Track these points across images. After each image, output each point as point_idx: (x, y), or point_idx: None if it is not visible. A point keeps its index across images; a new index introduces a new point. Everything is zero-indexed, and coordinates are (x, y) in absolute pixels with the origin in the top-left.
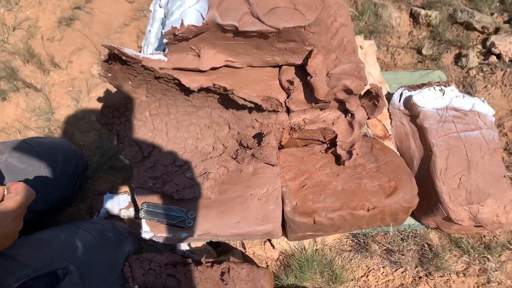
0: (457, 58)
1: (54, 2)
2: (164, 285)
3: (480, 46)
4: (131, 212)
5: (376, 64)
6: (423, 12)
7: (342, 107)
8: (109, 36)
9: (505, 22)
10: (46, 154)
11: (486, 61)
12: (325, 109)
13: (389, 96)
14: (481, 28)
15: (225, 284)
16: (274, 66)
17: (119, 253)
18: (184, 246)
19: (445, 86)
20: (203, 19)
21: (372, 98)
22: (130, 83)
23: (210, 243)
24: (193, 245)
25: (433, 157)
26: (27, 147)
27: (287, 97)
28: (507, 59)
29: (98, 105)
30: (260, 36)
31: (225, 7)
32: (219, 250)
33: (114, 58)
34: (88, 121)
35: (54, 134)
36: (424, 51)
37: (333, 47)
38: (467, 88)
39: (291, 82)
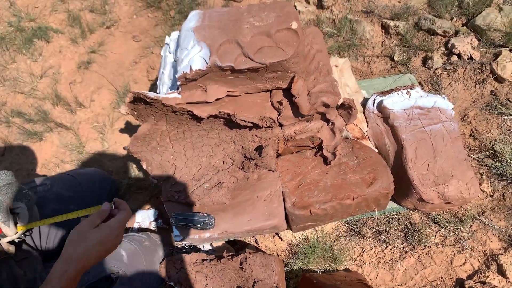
0: (425, 60)
1: (72, 49)
2: (195, 279)
3: (443, 48)
4: (159, 224)
5: (351, 77)
6: (392, 23)
7: (324, 117)
8: (122, 73)
9: (463, 25)
10: (86, 182)
11: (449, 61)
12: (310, 121)
13: (365, 102)
14: (443, 32)
15: (244, 271)
16: (266, 91)
17: (155, 257)
18: (207, 247)
19: (411, 88)
20: (207, 63)
21: (346, 108)
22: (152, 117)
23: (228, 242)
24: (215, 244)
25: (404, 150)
26: (70, 178)
27: (278, 115)
28: (466, 57)
29: (121, 135)
30: (252, 70)
31: (223, 52)
32: (236, 247)
33: (139, 100)
34: (114, 149)
35: (86, 164)
36: (395, 57)
37: (312, 70)
38: (435, 86)
39: (280, 103)
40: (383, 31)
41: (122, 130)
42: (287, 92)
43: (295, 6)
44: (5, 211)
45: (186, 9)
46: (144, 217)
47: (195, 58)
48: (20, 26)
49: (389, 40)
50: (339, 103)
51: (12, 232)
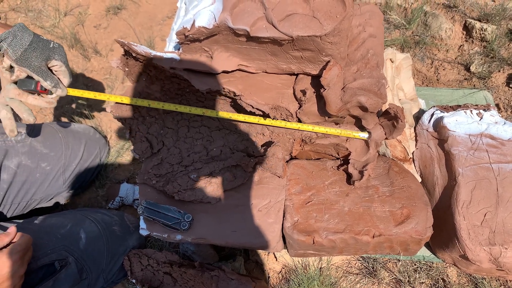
0: (510, 78)
1: None
2: (161, 281)
3: None
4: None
5: (410, 79)
6: (478, 25)
7: (359, 123)
8: (151, 27)
9: None
10: (70, 140)
11: None
12: (340, 124)
13: (420, 114)
14: None
15: None
16: (290, 74)
17: (121, 247)
18: (188, 245)
19: (484, 110)
20: (215, 21)
21: (391, 118)
22: (144, 79)
23: (215, 246)
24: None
25: (457, 187)
26: (53, 132)
27: (299, 108)
28: None
29: None
30: (274, 42)
31: (240, 10)
32: (223, 254)
33: (130, 54)
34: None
35: (86, 119)
36: (472, 68)
37: (356, 59)
38: None
39: (303, 93)
40: (464, 33)
41: None
42: (316, 81)
43: None
44: (49, 74)
45: None
46: (130, 193)
47: (203, 12)
48: None
49: (470, 45)
50: (383, 109)
51: (64, 92)
